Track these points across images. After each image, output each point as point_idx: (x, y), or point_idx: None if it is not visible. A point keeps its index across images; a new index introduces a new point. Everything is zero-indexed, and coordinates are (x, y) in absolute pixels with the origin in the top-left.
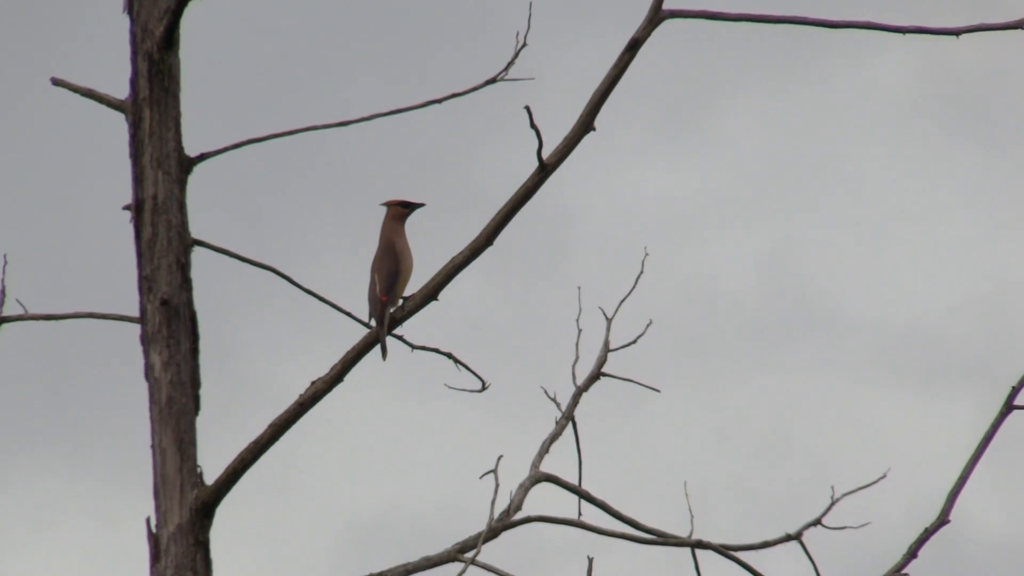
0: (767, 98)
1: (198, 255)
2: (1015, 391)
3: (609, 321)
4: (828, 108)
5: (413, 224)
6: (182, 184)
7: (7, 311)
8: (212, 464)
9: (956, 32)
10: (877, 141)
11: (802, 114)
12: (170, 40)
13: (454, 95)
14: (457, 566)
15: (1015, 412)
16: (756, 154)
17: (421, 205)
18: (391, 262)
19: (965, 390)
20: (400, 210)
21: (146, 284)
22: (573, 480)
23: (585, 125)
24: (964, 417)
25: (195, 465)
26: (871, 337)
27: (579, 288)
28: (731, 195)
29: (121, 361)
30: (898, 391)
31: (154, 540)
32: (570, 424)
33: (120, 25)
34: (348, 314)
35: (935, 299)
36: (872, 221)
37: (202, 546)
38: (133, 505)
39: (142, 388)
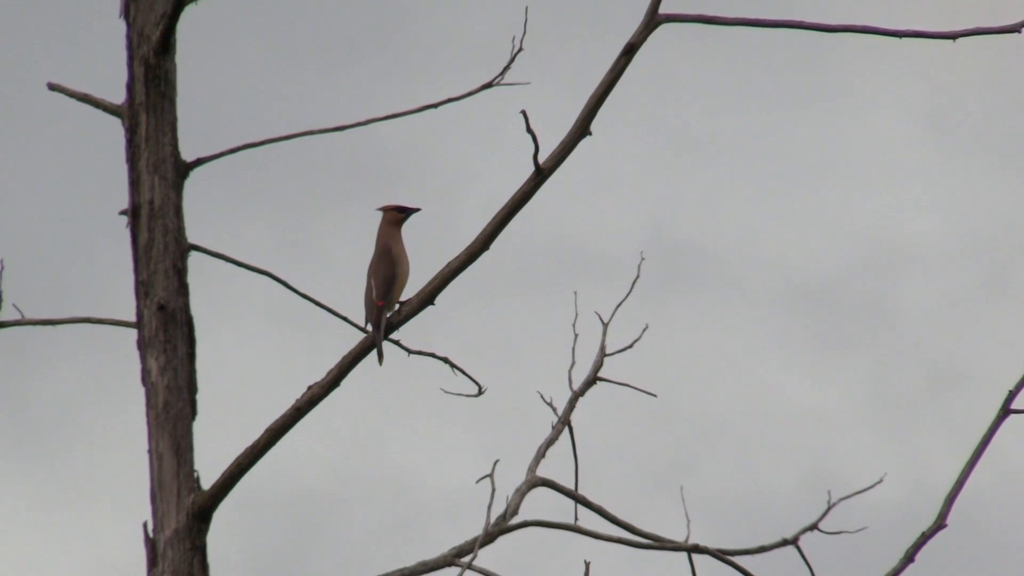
0: (655, 59)
1: (195, 260)
2: (1012, 395)
3: (605, 326)
4: (716, 67)
5: (409, 229)
6: (179, 189)
7: (4, 316)
8: (209, 469)
9: (952, 36)
10: (768, 102)
11: (689, 74)
12: (166, 45)
13: (450, 100)
14: (454, 570)
15: (1012, 416)
16: (643, 116)
17: (417, 210)
18: (387, 267)
19: (856, 352)
20: (396, 215)
21: (143, 289)
22: (569, 485)
23: (582, 129)
24: (855, 380)
25: (192, 470)
26: (761, 299)
27: (575, 292)
28: (616, 158)
29: (118, 366)
30: (789, 354)
31: (151, 545)
32: (566, 429)
33: (116, 30)
34: (344, 319)
35: (826, 261)
36: (759, 182)
37: (199, 551)
38: (130, 510)
39: (139, 393)
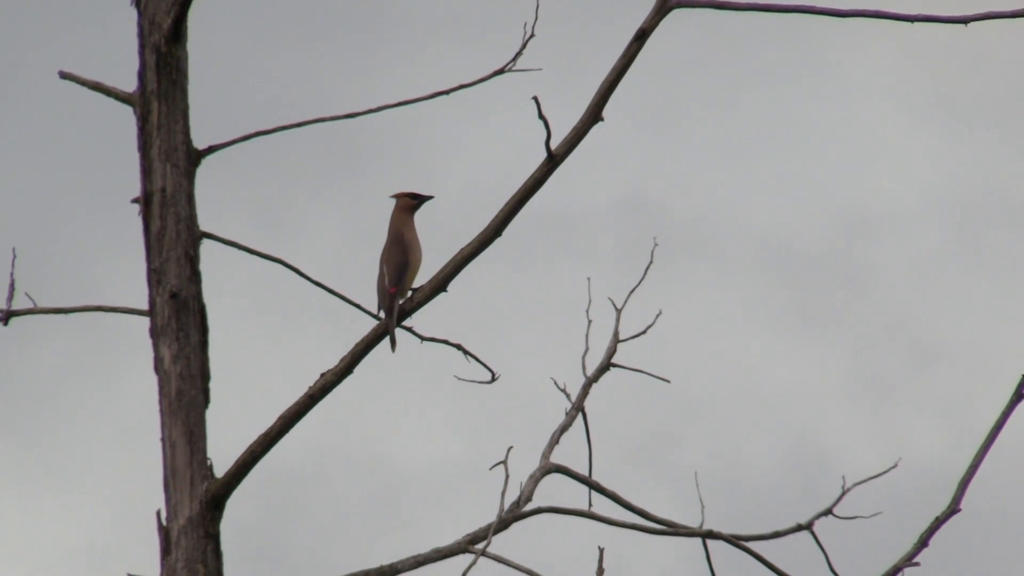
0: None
1: (207, 248)
2: None
3: (619, 312)
4: (698, 45)
5: (422, 216)
6: (190, 177)
7: (16, 305)
8: (222, 457)
9: (965, 20)
10: (746, 77)
11: (673, 52)
12: (177, 33)
13: (462, 86)
14: (468, 557)
15: None
16: (629, 91)
17: (430, 197)
18: (400, 254)
19: (836, 325)
20: (409, 202)
21: (155, 277)
22: (583, 471)
23: (593, 115)
24: (835, 353)
25: (205, 458)
26: (743, 272)
27: (588, 279)
28: (604, 132)
29: (130, 354)
30: (770, 327)
31: (164, 533)
32: (580, 415)
33: (128, 18)
34: (357, 306)
35: (806, 234)
36: (738, 155)
37: (212, 539)
38: (142, 499)
39: (151, 381)
